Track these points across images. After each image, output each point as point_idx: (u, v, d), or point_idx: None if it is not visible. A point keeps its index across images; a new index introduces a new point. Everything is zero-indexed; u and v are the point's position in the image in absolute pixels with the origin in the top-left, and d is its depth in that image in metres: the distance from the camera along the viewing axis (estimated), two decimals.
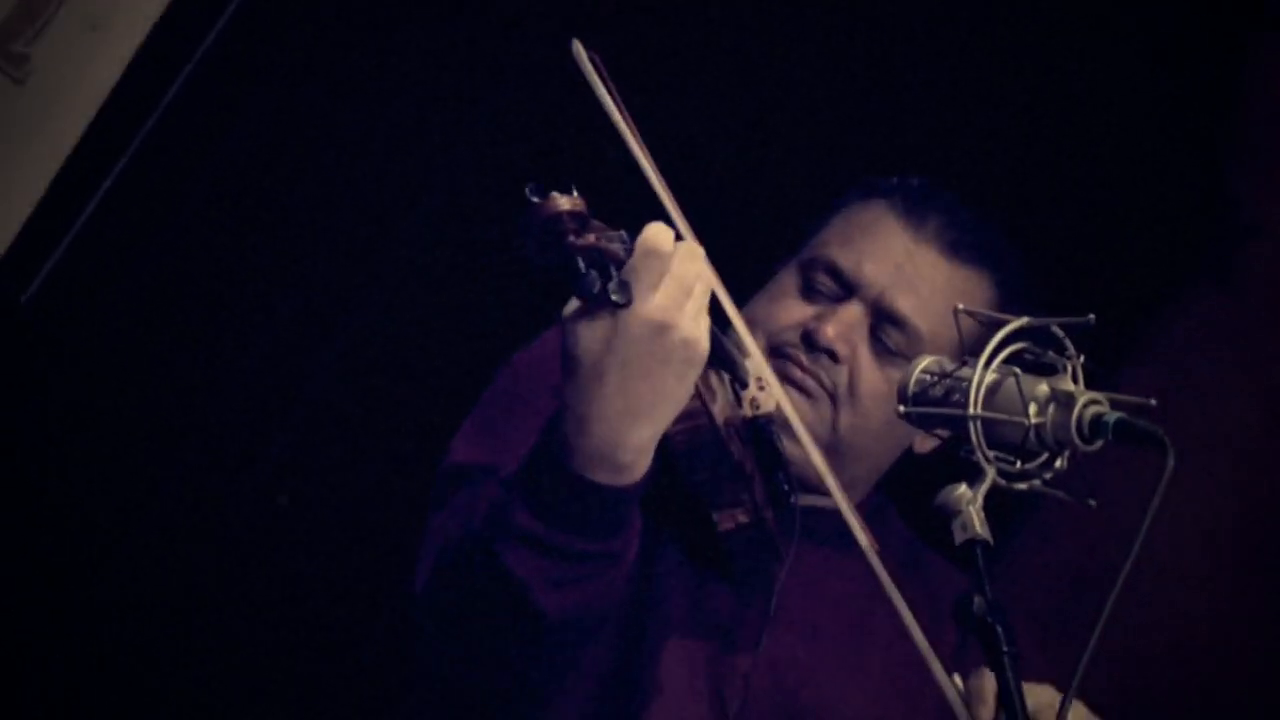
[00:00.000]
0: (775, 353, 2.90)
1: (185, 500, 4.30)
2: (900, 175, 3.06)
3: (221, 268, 4.15)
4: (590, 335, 2.46)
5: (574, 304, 2.47)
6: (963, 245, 2.95)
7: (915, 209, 2.97)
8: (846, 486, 2.79)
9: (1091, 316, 2.59)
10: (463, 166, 4.07)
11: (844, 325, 2.87)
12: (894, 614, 2.69)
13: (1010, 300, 2.92)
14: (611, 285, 2.42)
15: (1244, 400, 4.37)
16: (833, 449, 2.87)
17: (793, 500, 2.70)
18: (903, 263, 2.93)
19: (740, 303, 2.87)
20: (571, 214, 2.41)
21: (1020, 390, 2.54)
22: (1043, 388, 2.54)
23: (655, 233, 2.45)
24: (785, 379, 2.86)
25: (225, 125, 4.07)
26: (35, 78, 3.88)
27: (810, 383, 2.88)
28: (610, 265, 2.43)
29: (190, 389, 4.21)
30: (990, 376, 2.56)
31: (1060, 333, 2.60)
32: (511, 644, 2.63)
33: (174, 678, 4.35)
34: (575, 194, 2.43)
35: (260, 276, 4.20)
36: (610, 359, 2.47)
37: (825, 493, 2.78)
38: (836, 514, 2.77)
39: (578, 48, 2.61)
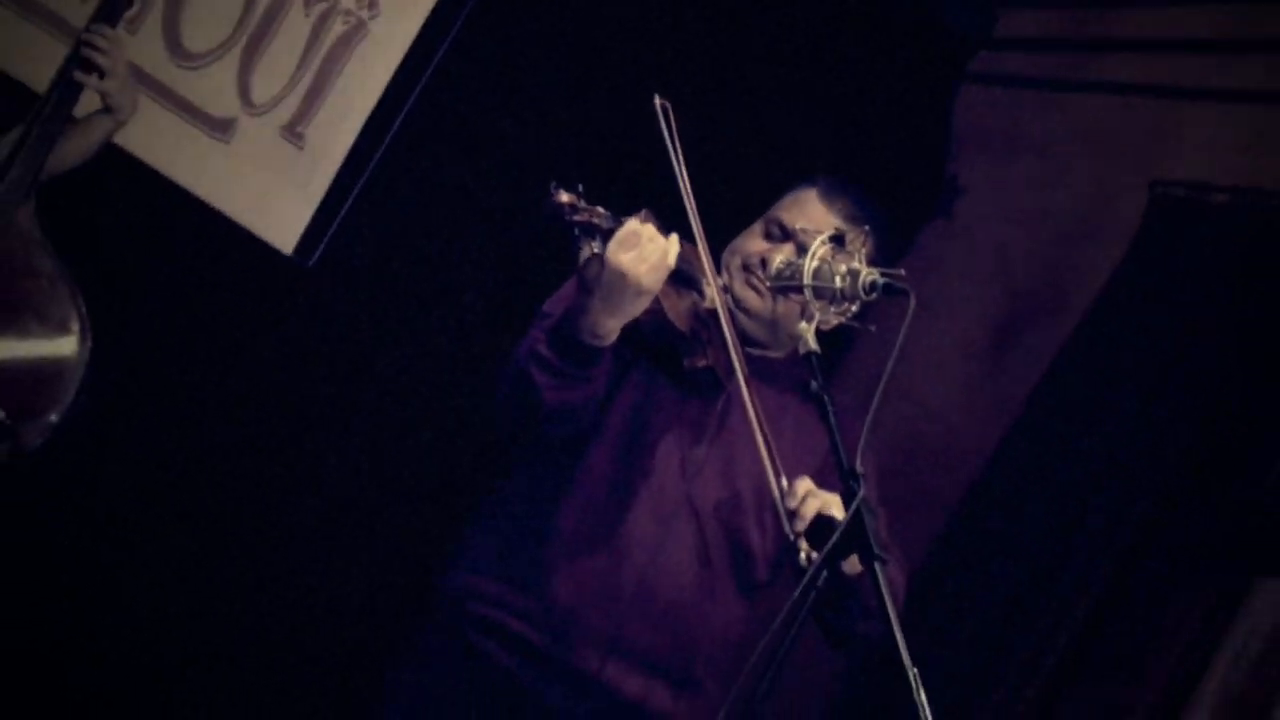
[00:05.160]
0: (746, 267, 2.78)
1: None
2: (827, 170, 2.91)
3: (419, 249, 4.09)
4: (589, 270, 2.51)
5: (584, 254, 2.50)
6: (852, 217, 2.77)
7: (831, 194, 2.81)
8: (781, 345, 2.80)
9: (867, 227, 2.71)
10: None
11: (782, 255, 2.73)
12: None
13: (880, 247, 2.76)
14: (595, 244, 2.49)
15: (956, 279, 4.48)
16: (771, 324, 2.77)
17: (731, 352, 2.62)
18: (819, 222, 2.76)
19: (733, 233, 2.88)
20: (569, 205, 2.47)
21: (831, 269, 2.63)
22: (843, 267, 2.62)
23: (631, 226, 2.50)
24: (748, 284, 2.77)
25: (421, 171, 4.01)
26: (308, 145, 3.88)
27: (761, 286, 2.74)
28: (597, 232, 2.49)
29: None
30: (814, 263, 2.64)
31: (851, 236, 2.70)
32: (526, 413, 2.61)
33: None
34: (576, 190, 2.49)
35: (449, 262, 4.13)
36: (597, 284, 2.50)
37: (760, 345, 2.79)
38: (770, 361, 2.80)
39: (658, 101, 2.61)
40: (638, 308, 2.53)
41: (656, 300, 2.57)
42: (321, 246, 3.95)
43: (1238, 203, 3.85)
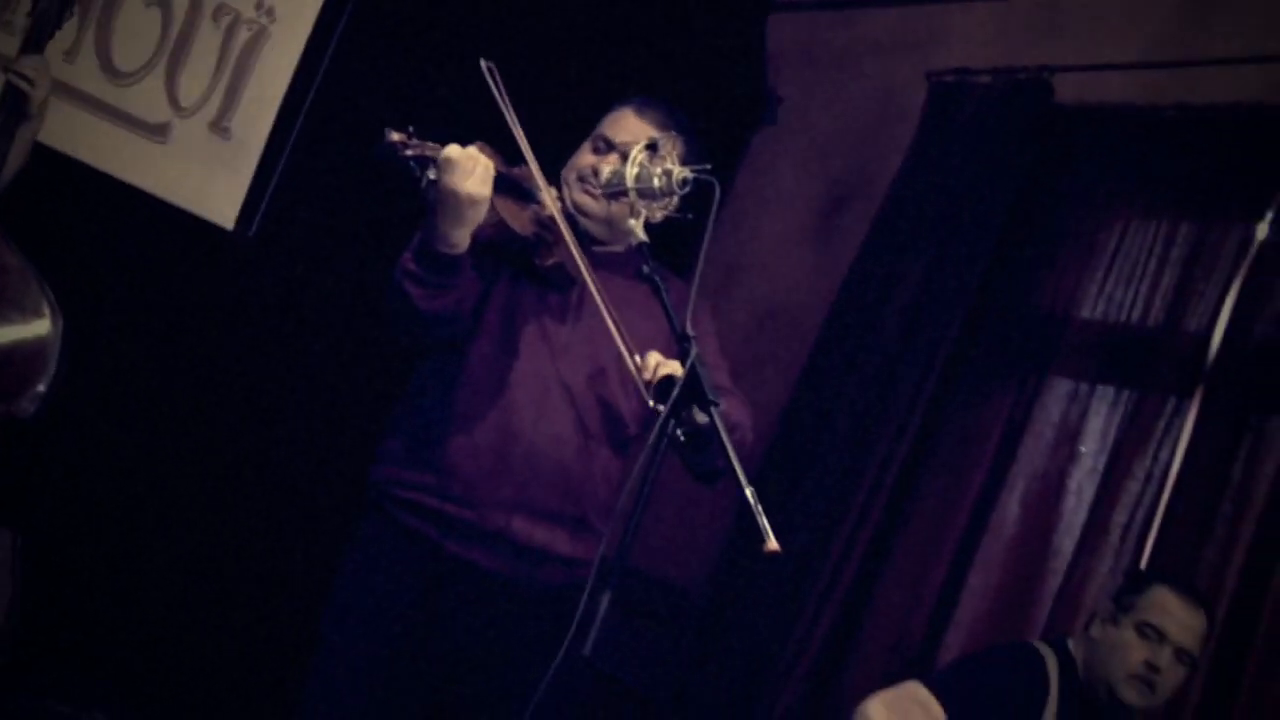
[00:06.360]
0: (581, 179, 2.82)
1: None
2: (640, 93, 2.92)
3: (340, 228, 4.09)
4: (429, 195, 2.56)
5: (423, 183, 2.55)
6: (663, 126, 2.80)
7: (643, 109, 2.86)
8: (620, 241, 2.82)
9: (679, 136, 2.74)
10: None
11: (609, 165, 2.77)
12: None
13: (689, 148, 2.81)
14: (431, 172, 2.55)
15: (786, 173, 4.55)
16: (608, 223, 2.82)
17: (571, 248, 2.67)
18: (636, 133, 2.80)
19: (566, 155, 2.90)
20: (400, 142, 2.53)
21: (649, 171, 2.68)
22: (659, 168, 2.68)
23: (450, 150, 2.57)
24: (584, 192, 2.81)
25: (331, 143, 3.98)
26: (234, 135, 3.91)
27: (595, 193, 2.79)
28: (430, 162, 2.55)
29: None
30: (635, 169, 2.69)
31: (663, 142, 2.73)
32: (408, 323, 2.70)
33: None
34: (406, 130, 2.55)
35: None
36: (439, 203, 2.57)
37: (603, 243, 2.83)
38: (614, 255, 2.83)
39: (484, 64, 2.61)
40: (476, 215, 2.61)
41: (499, 215, 2.66)
42: (258, 219, 3.98)
43: (995, 81, 4.07)
